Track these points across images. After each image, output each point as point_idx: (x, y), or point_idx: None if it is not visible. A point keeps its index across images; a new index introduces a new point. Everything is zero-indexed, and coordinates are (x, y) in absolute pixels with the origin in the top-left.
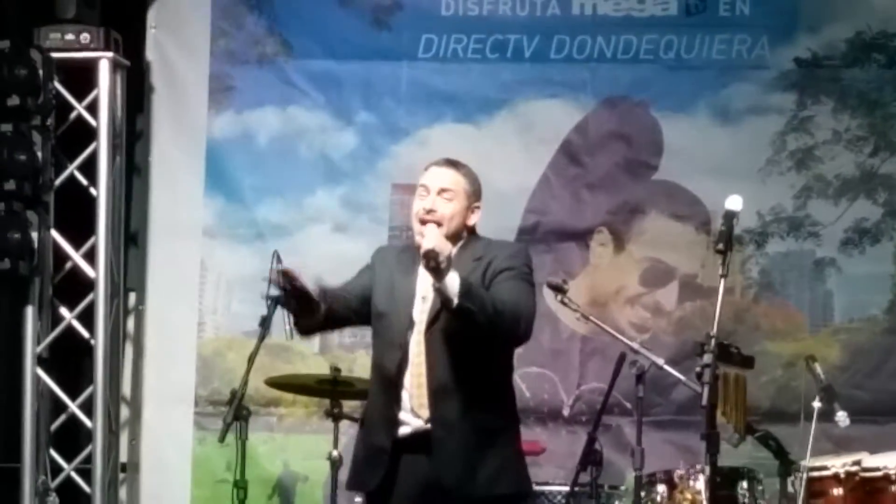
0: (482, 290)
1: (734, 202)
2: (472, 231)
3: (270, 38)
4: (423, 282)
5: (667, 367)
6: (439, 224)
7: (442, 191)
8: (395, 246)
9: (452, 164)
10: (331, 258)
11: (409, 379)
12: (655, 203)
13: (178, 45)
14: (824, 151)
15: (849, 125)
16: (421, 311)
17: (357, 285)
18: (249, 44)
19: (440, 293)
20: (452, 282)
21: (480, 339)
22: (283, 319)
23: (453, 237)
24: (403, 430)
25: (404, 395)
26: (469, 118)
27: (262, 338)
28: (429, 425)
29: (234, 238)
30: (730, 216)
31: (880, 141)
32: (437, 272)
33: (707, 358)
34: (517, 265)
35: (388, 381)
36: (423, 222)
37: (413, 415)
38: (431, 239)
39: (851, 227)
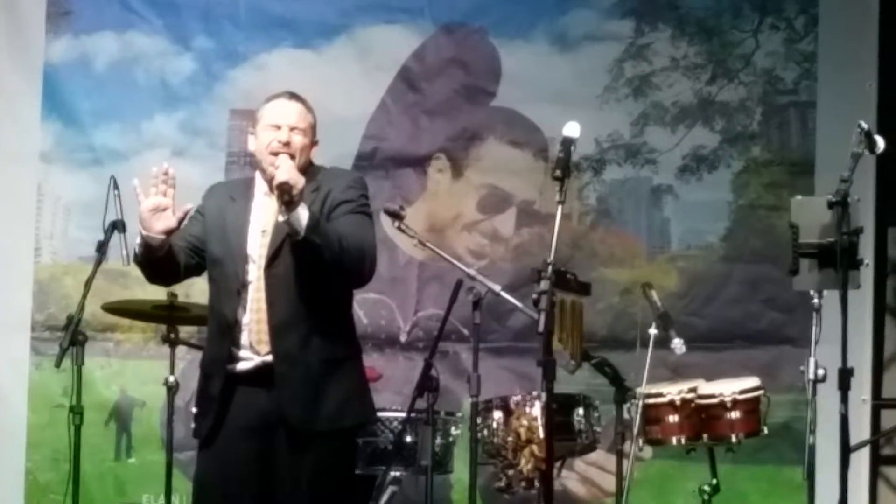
0: (329, 227)
1: (572, 129)
2: (311, 163)
3: None
4: (262, 215)
5: (504, 294)
6: (292, 157)
7: (293, 128)
8: (224, 182)
9: (297, 97)
10: None
11: (247, 315)
12: (493, 130)
13: None
14: (662, 79)
15: (686, 52)
16: (260, 246)
17: (187, 240)
18: None
19: (288, 225)
20: (301, 215)
21: (323, 275)
22: (119, 244)
23: (301, 171)
24: (242, 366)
25: (243, 332)
26: (308, 44)
27: (98, 263)
28: (268, 358)
29: (71, 163)
30: (567, 143)
31: (718, 68)
32: (290, 205)
33: (544, 284)
34: (355, 197)
35: (226, 325)
36: (275, 154)
37: (252, 351)
38: (285, 171)
39: (689, 154)
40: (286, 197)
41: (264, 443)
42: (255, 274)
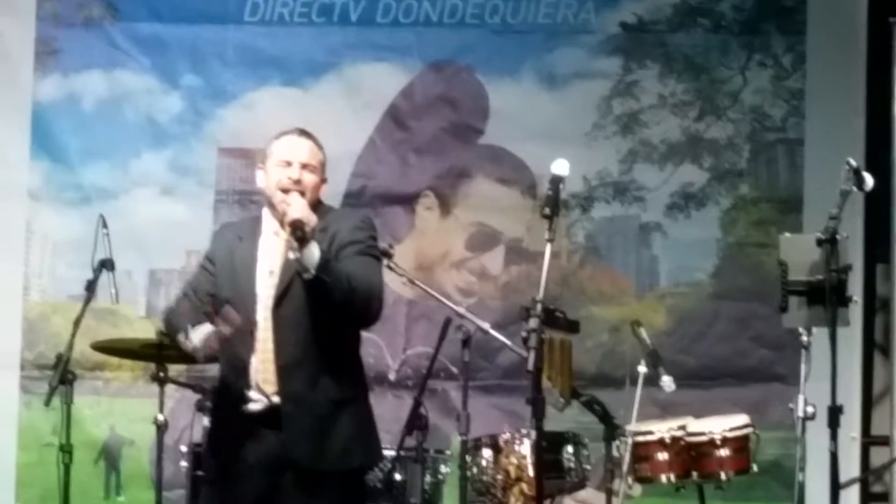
0: (339, 268)
1: (560, 166)
2: (319, 202)
3: (96, 1)
4: (269, 254)
5: (492, 332)
6: (303, 194)
7: (304, 165)
8: (232, 223)
9: (307, 134)
10: (157, 222)
11: (255, 356)
12: (481, 167)
13: (3, 8)
14: (650, 116)
15: (674, 90)
16: (269, 286)
17: (203, 291)
18: (75, 6)
19: (299, 263)
20: (313, 253)
21: (331, 315)
22: (108, 283)
23: (311, 209)
24: (251, 407)
25: (250, 373)
26: (296, 82)
27: (87, 301)
28: (276, 399)
29: (60, 201)
30: (556, 180)
31: (706, 105)
32: (302, 241)
33: (533, 322)
34: (363, 238)
35: (239, 366)
36: (286, 191)
37: (259, 392)
38: (297, 208)
39: (677, 191)
40: (298, 234)
41: (271, 484)
42: (263, 314)
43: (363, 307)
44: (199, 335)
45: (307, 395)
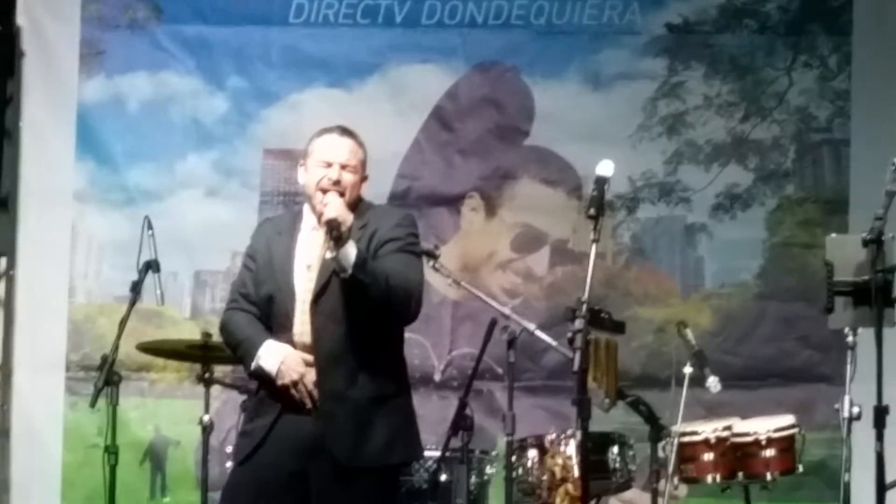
0: (377, 266)
1: (605, 167)
2: (360, 199)
3: (141, 3)
4: (307, 249)
5: (538, 333)
6: (342, 194)
7: (344, 165)
8: (272, 218)
9: (349, 133)
10: (202, 223)
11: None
12: (527, 168)
13: (49, 10)
14: (695, 117)
15: (720, 91)
16: (307, 281)
17: (250, 300)
18: (120, 8)
19: (336, 263)
20: (350, 252)
21: (370, 313)
22: (154, 284)
23: (350, 207)
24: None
25: None
26: (341, 83)
27: (132, 303)
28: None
29: (105, 203)
30: (601, 181)
31: (751, 106)
32: (338, 241)
33: (578, 323)
34: (402, 235)
35: None
36: (325, 191)
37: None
38: (334, 207)
39: (722, 192)
40: (335, 234)
41: (304, 467)
42: (301, 309)
43: (402, 305)
44: (270, 360)
45: (346, 392)
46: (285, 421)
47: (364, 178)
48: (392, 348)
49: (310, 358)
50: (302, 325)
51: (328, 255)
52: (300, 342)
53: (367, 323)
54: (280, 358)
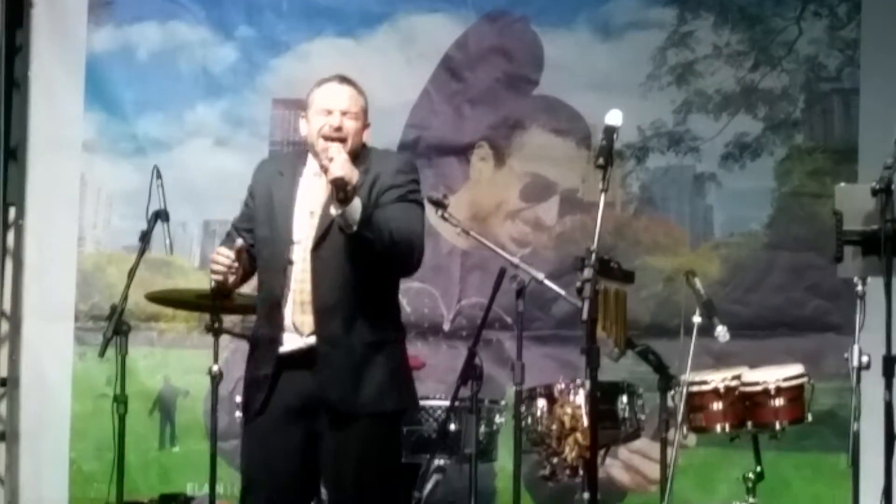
0: (381, 219)
1: (614, 117)
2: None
3: None
4: (310, 195)
5: (547, 282)
6: (344, 141)
7: (345, 112)
8: (273, 157)
9: (348, 81)
10: (211, 173)
11: (290, 296)
12: (536, 118)
13: None
14: (705, 66)
15: (729, 40)
16: (309, 227)
17: (242, 236)
18: None
19: (341, 219)
20: (355, 209)
21: (371, 263)
22: (162, 234)
23: (352, 155)
24: (285, 349)
25: (286, 313)
26: (350, 32)
27: (141, 252)
28: (311, 340)
29: (114, 152)
30: (610, 131)
31: (760, 56)
32: (344, 200)
33: (587, 272)
34: (404, 182)
35: (274, 305)
36: (327, 138)
37: (295, 332)
38: (339, 166)
39: (732, 141)
40: (340, 194)
41: (308, 423)
42: (300, 255)
43: (405, 257)
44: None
45: (343, 338)
46: (285, 377)
47: (366, 126)
48: (389, 294)
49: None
50: (303, 272)
51: (333, 211)
52: (299, 288)
53: (367, 270)
54: None
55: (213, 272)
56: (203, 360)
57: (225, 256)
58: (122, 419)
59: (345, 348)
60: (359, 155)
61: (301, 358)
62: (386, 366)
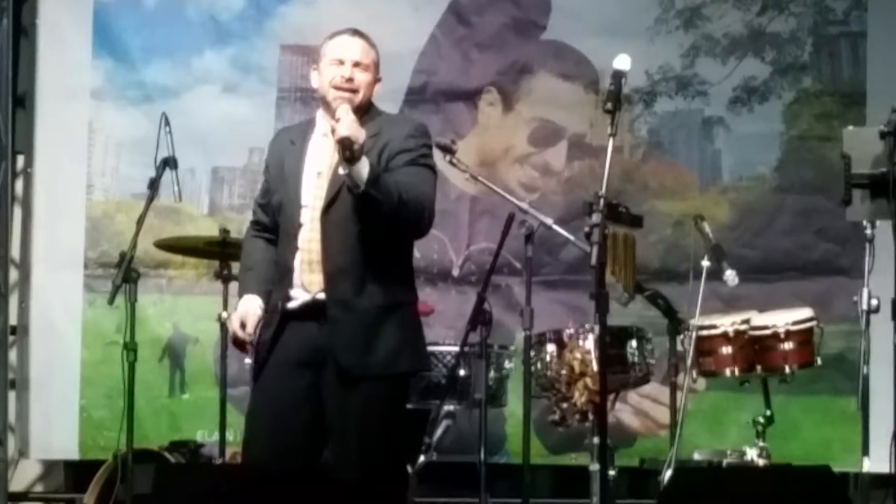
0: (390, 181)
1: (622, 61)
2: (371, 104)
3: None
4: (317, 156)
5: (556, 227)
6: (356, 91)
7: (356, 63)
8: (287, 128)
9: (360, 34)
10: (220, 119)
11: (299, 256)
12: (544, 63)
13: None
14: (712, 10)
15: None
16: (317, 188)
17: (265, 212)
18: None
19: (349, 178)
20: (362, 169)
21: (381, 226)
22: (171, 181)
23: (362, 109)
24: (293, 304)
25: (294, 274)
26: None
27: (150, 199)
28: (319, 295)
29: (122, 100)
30: (618, 75)
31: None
32: (351, 160)
33: (596, 217)
34: (415, 146)
35: (286, 269)
36: (338, 88)
37: (303, 290)
38: (346, 125)
39: (740, 85)
40: (347, 154)
41: (314, 376)
42: (309, 216)
43: (414, 219)
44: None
45: (354, 301)
46: (290, 330)
47: (377, 80)
48: (400, 257)
49: (248, 317)
50: (311, 231)
51: (341, 170)
52: (308, 248)
53: (377, 233)
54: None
55: (235, 342)
56: (212, 307)
57: (247, 335)
58: (131, 367)
59: (355, 311)
60: (369, 109)
61: (308, 312)
62: (397, 328)
